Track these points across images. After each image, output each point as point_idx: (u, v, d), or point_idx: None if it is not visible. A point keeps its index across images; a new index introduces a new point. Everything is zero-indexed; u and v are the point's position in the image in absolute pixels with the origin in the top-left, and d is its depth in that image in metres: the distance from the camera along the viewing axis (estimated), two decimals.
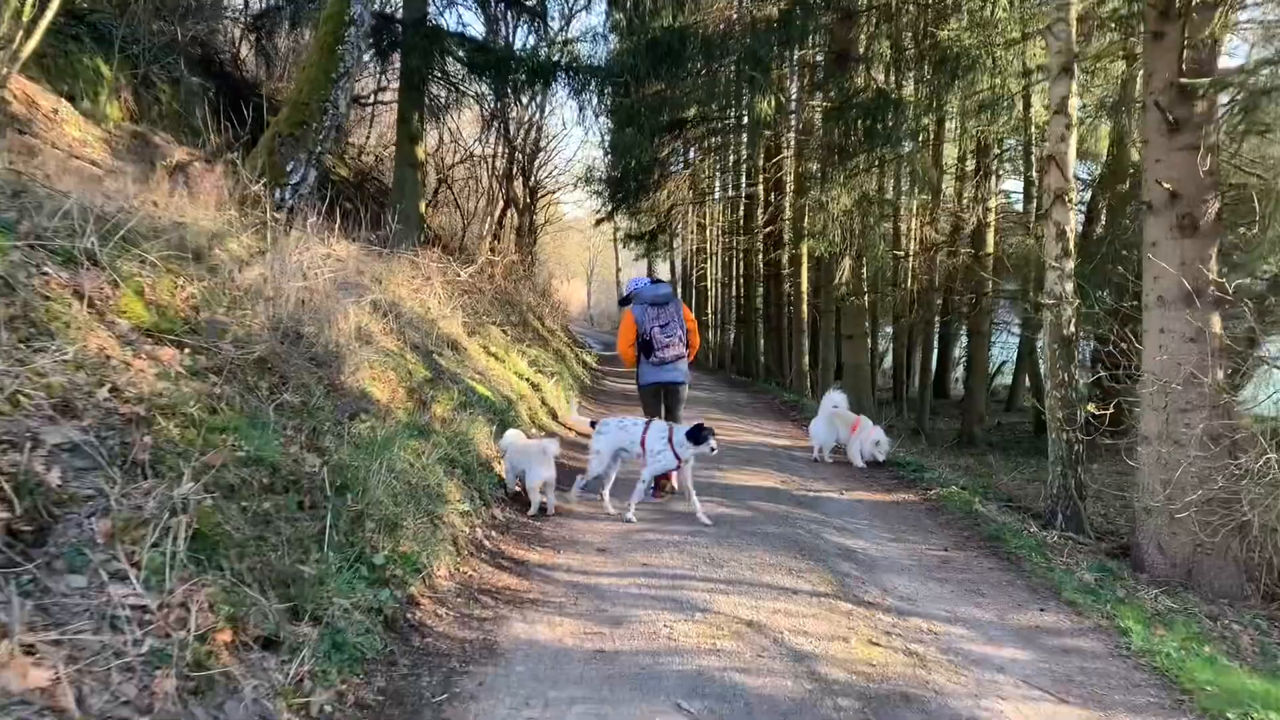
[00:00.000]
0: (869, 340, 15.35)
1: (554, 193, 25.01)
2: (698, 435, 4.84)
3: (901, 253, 14.13)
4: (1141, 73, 7.30)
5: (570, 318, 33.97)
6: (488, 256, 10.02)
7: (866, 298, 13.67)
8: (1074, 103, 7.31)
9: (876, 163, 10.71)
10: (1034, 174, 15.04)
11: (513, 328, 9.92)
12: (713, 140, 14.69)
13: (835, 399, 7.73)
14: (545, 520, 4.78)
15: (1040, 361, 17.02)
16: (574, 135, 49.49)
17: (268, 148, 5.72)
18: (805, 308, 15.69)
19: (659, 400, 5.75)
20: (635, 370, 5.77)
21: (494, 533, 4.26)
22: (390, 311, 5.68)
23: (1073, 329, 7.23)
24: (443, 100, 14.98)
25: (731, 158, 19.09)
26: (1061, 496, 6.96)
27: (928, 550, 4.84)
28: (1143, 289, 5.82)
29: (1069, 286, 7.26)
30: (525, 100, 15.61)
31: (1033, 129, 13.93)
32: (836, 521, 5.29)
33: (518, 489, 5.10)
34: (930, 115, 10.77)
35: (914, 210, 12.87)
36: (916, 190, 11.20)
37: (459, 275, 9.16)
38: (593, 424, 5.35)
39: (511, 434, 5.17)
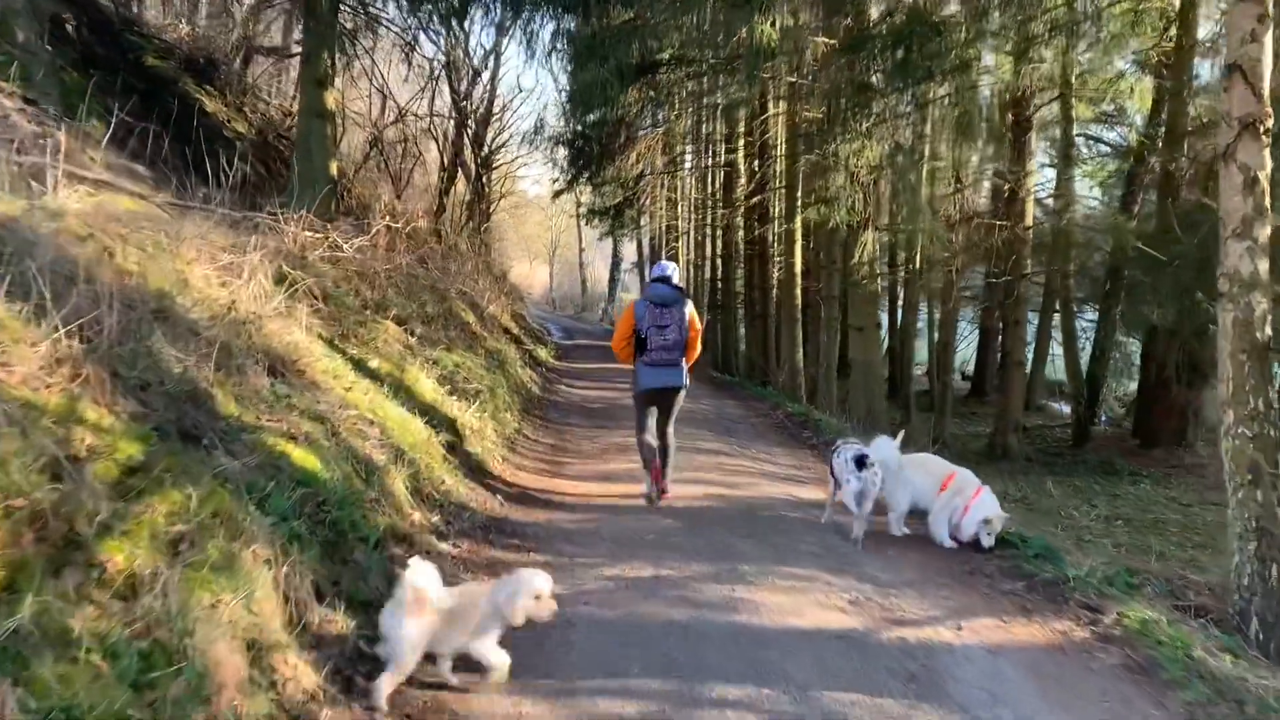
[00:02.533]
0: (880, 332, 12.92)
1: (510, 162, 22.18)
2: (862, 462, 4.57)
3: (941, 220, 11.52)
4: None
5: (533, 300, 31.04)
6: (386, 222, 7.09)
7: (880, 281, 11.17)
8: None
9: (921, 100, 8.02)
10: (1073, 132, 12.67)
11: (426, 324, 7.04)
12: (690, 86, 11.92)
13: (888, 451, 4.86)
14: None
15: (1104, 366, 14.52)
16: (531, 103, 46.22)
17: None
18: (799, 293, 13.10)
19: (651, 407, 5.42)
20: (632, 371, 5.48)
21: None
22: (104, 308, 2.83)
23: (1269, 330, 4.73)
24: (361, 37, 12.30)
25: (707, 123, 16.48)
26: (1258, 590, 4.57)
27: None
28: None
29: (1263, 266, 4.73)
30: (458, 32, 12.69)
31: (1073, 78, 11.52)
32: None
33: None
34: (981, 45, 8.12)
35: (947, 170, 10.24)
36: (962, 142, 8.59)
37: (340, 249, 6.29)
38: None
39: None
